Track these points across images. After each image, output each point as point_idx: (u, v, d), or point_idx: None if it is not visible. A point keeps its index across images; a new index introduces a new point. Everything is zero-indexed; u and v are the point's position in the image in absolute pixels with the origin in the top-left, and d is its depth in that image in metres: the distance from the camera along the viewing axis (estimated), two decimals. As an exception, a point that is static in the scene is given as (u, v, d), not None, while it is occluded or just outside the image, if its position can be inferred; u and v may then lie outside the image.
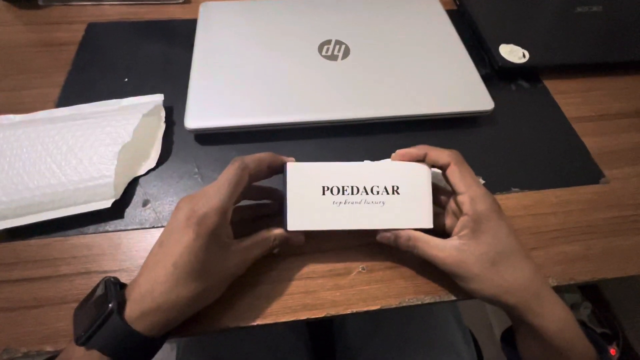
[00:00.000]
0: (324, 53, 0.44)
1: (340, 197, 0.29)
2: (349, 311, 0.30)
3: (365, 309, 0.30)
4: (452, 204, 0.30)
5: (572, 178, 0.38)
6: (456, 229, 0.28)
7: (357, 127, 0.40)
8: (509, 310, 0.27)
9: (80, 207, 0.32)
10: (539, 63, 0.46)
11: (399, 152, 0.31)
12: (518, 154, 0.40)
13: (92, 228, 0.33)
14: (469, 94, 0.42)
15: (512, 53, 0.47)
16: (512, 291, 0.26)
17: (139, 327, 0.23)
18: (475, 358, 0.47)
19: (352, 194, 0.29)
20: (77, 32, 0.48)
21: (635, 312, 0.96)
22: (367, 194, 0.29)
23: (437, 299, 0.31)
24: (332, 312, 0.30)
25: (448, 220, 0.31)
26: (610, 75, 0.48)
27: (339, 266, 0.32)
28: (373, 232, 0.30)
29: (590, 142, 0.41)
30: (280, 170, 0.29)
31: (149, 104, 0.38)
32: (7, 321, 0.28)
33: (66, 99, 0.41)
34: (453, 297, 0.31)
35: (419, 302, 0.30)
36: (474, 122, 0.42)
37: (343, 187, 0.29)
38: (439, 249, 0.28)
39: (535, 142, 0.41)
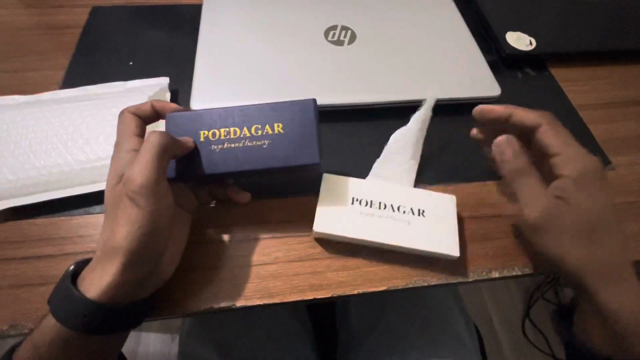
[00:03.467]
0: (330, 38, 0.44)
1: (368, 210, 0.31)
2: (355, 292, 0.30)
3: (372, 289, 0.30)
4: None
5: (578, 164, 0.38)
6: (550, 190, 0.26)
7: (363, 111, 0.40)
8: (578, 284, 0.25)
9: (87, 187, 0.32)
10: (545, 51, 0.46)
11: (481, 107, 0.28)
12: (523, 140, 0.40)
13: (98, 208, 0.33)
14: (475, 80, 0.41)
15: (519, 40, 0.46)
16: (591, 267, 0.24)
17: (88, 289, 0.22)
18: (477, 346, 0.47)
19: (379, 208, 0.31)
20: (80, 16, 0.47)
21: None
22: (393, 211, 0.31)
23: (444, 281, 0.31)
24: (339, 292, 0.30)
25: None
26: (617, 63, 0.48)
27: (346, 247, 0.32)
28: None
29: (597, 130, 0.41)
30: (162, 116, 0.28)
31: (154, 86, 0.38)
32: (14, 298, 0.28)
33: (70, 81, 0.41)
34: (460, 280, 0.31)
35: (426, 284, 0.31)
36: (481, 108, 0.42)
37: (371, 201, 0.31)
38: (537, 194, 0.25)
39: (542, 129, 0.41)
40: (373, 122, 0.40)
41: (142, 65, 0.43)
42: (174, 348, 0.96)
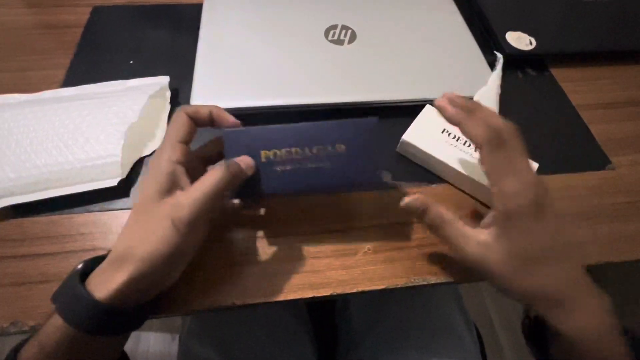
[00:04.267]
0: (330, 37, 0.44)
1: (454, 142, 0.35)
2: (355, 290, 0.30)
3: (371, 288, 0.30)
4: None
5: (579, 164, 0.38)
6: (486, 220, 0.27)
7: (363, 111, 0.40)
8: (536, 310, 0.26)
9: (87, 185, 0.32)
10: (546, 51, 0.46)
11: (438, 103, 0.28)
12: (524, 139, 0.40)
13: (98, 206, 0.33)
14: (475, 79, 0.41)
15: (519, 40, 0.46)
16: (539, 298, 0.25)
17: (97, 290, 0.22)
18: (477, 345, 0.47)
19: (465, 145, 0.35)
20: (82, 15, 0.48)
21: (632, 306, 0.97)
22: (476, 151, 0.32)
23: (443, 280, 0.31)
24: (339, 290, 0.30)
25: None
26: (618, 64, 0.48)
27: (346, 246, 0.32)
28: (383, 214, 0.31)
29: (597, 129, 0.41)
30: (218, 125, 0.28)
31: (154, 85, 0.38)
32: (15, 295, 0.28)
33: (71, 80, 0.41)
34: (458, 279, 0.31)
35: (425, 283, 0.31)
36: (481, 107, 0.42)
37: (460, 137, 0.35)
38: (465, 238, 0.26)
39: (542, 129, 0.41)
40: (373, 121, 0.40)
41: (143, 64, 0.43)
42: (174, 347, 0.96)
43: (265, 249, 0.31)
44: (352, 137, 0.28)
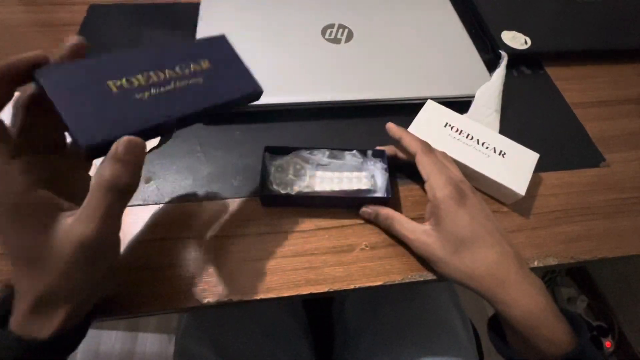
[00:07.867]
0: (327, 36, 0.44)
1: (456, 135, 0.35)
2: (352, 286, 0.30)
3: (368, 284, 0.30)
4: None
5: (573, 161, 0.39)
6: (426, 214, 0.30)
7: (360, 109, 0.40)
8: (478, 294, 0.28)
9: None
10: (540, 49, 0.47)
11: (390, 124, 0.34)
12: (519, 137, 0.40)
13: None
14: (471, 78, 0.42)
15: (515, 39, 0.47)
16: (475, 277, 0.27)
17: (28, 329, 0.21)
18: (473, 343, 0.47)
19: (467, 138, 0.35)
20: (78, 14, 0.47)
21: (630, 306, 0.97)
22: (478, 144, 0.35)
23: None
24: (335, 287, 0.30)
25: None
26: (612, 62, 0.48)
27: (343, 243, 0.32)
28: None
29: (591, 127, 0.41)
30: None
31: (151, 83, 0.38)
32: None
33: (68, 78, 0.41)
34: (455, 274, 0.31)
35: (422, 279, 0.31)
36: (476, 106, 0.42)
37: (461, 130, 0.36)
38: (410, 230, 0.30)
39: (537, 127, 0.41)
40: (370, 119, 0.40)
41: (140, 63, 0.43)
42: (171, 348, 0.96)
43: (261, 246, 0.31)
44: (210, 53, 0.25)
